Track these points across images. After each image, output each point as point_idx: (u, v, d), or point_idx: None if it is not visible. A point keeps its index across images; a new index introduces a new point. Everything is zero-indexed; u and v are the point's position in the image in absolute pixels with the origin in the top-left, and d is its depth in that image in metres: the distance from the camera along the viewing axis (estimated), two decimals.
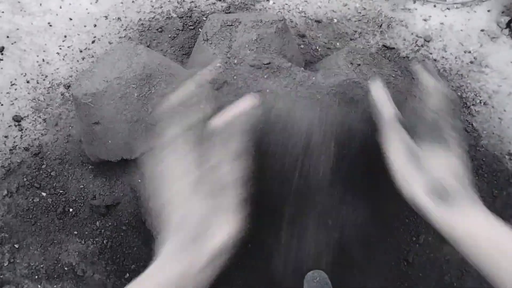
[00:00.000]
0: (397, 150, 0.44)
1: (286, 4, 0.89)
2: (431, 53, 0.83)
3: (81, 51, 0.81)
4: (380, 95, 0.49)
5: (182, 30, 0.84)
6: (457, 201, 0.41)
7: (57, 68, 0.79)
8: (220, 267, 0.35)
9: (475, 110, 0.77)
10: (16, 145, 0.70)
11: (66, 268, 0.63)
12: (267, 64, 0.67)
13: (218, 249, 0.34)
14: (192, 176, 0.36)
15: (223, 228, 0.35)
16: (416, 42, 0.84)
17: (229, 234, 0.35)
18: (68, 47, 0.81)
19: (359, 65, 0.70)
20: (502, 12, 0.86)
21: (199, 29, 0.85)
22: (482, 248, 0.39)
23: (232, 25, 0.71)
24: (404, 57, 0.83)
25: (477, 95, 0.79)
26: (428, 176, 0.43)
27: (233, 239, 0.35)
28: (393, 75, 0.72)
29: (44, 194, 0.67)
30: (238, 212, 0.36)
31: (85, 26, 0.83)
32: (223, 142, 0.38)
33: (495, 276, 0.38)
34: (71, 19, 0.84)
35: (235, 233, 0.35)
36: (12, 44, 0.80)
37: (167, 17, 0.86)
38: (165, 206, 0.36)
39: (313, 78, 0.68)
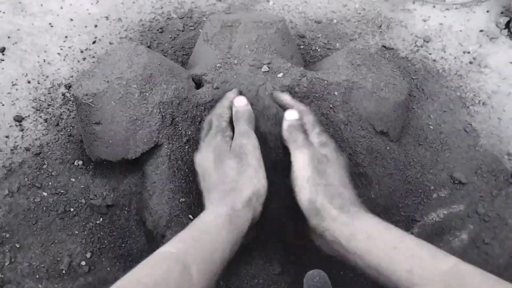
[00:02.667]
0: (303, 156, 0.52)
1: (286, 4, 0.89)
2: (430, 54, 0.83)
3: (82, 52, 0.81)
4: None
5: (182, 31, 0.85)
6: (349, 208, 0.48)
7: (58, 69, 0.79)
8: (256, 210, 0.48)
9: (474, 110, 0.78)
10: (17, 145, 0.71)
11: (67, 268, 0.64)
12: (267, 64, 0.68)
13: (250, 194, 0.48)
14: (223, 149, 0.52)
15: (249, 182, 0.49)
16: (415, 42, 0.84)
17: (255, 185, 0.49)
18: (69, 47, 0.81)
19: (359, 65, 0.70)
20: (501, 13, 0.86)
21: (200, 29, 0.85)
22: (379, 247, 0.44)
23: (232, 25, 0.71)
24: (403, 58, 0.83)
25: (476, 95, 0.79)
26: (327, 183, 0.50)
27: (258, 189, 0.49)
28: (393, 76, 0.72)
29: (45, 194, 0.67)
30: (259, 168, 0.51)
31: (86, 26, 0.84)
32: (237, 126, 0.55)
33: (390, 270, 0.42)
34: (72, 19, 0.84)
35: (259, 184, 0.49)
36: (13, 44, 0.80)
37: (167, 18, 0.86)
38: (207, 171, 0.51)
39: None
